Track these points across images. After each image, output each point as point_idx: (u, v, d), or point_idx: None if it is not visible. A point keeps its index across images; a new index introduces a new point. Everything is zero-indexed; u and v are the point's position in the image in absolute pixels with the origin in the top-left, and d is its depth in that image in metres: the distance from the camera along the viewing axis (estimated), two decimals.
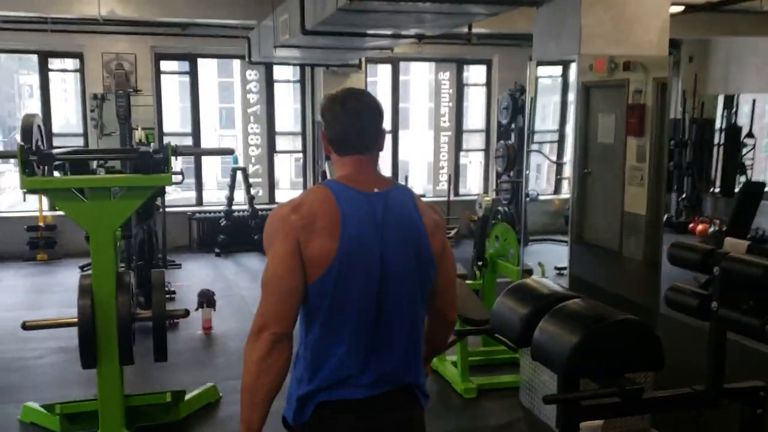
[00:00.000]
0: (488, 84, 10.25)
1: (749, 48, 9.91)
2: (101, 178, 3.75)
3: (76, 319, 3.03)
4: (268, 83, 9.30)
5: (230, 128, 31.22)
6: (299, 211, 1.66)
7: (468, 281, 4.63)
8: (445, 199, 9.72)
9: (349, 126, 1.71)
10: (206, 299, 5.58)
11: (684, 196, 10.43)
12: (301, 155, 9.83)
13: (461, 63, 10.13)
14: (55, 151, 3.31)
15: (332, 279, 1.63)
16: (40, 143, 3.64)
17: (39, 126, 3.63)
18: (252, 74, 9.21)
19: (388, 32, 5.55)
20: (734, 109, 10.66)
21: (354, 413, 1.68)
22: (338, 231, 1.63)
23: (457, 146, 10.28)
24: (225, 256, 8.38)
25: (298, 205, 1.68)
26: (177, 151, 3.60)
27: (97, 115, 8.20)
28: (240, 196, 8.94)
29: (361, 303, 1.66)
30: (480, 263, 4.77)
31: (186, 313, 3.53)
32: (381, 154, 1.80)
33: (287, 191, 18.24)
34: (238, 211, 8.81)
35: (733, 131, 10.63)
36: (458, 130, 10.23)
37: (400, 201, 1.73)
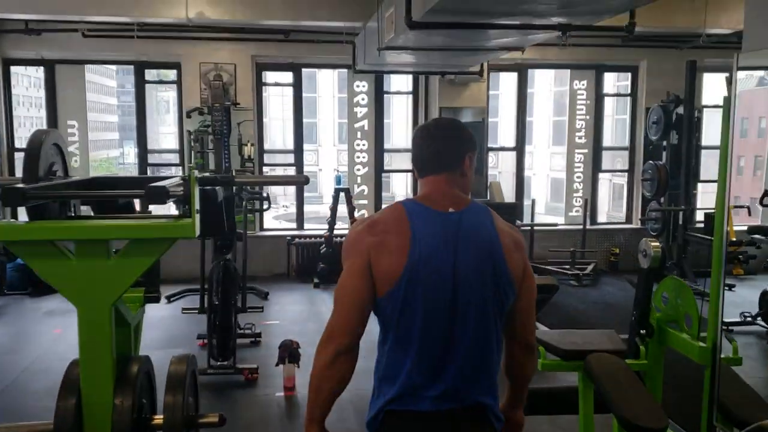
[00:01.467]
0: (633, 94, 8.74)
1: None
2: (69, 225, 2.36)
3: (51, 427, 2.07)
4: (377, 95, 8.32)
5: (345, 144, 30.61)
6: (373, 229, 1.73)
7: (628, 359, 3.32)
8: (580, 227, 8.29)
9: (425, 149, 1.80)
10: (288, 353, 4.58)
11: None
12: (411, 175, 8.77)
13: (601, 69, 8.68)
14: (35, 185, 2.23)
15: (400, 295, 1.68)
16: (58, 170, 2.77)
17: (57, 146, 2.76)
18: (360, 86, 8.27)
19: (519, 22, 4.31)
20: None
21: (421, 424, 1.70)
22: (407, 250, 1.68)
23: (595, 166, 8.81)
24: (324, 287, 7.44)
25: (373, 224, 1.75)
26: (225, 181, 2.62)
27: (193, 130, 7.53)
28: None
29: (430, 319, 1.69)
30: (643, 332, 3.43)
31: (222, 421, 2.47)
32: (475, 175, 1.87)
33: None
34: (341, 236, 7.88)
35: None
36: (596, 147, 8.77)
37: (476, 220, 1.75)
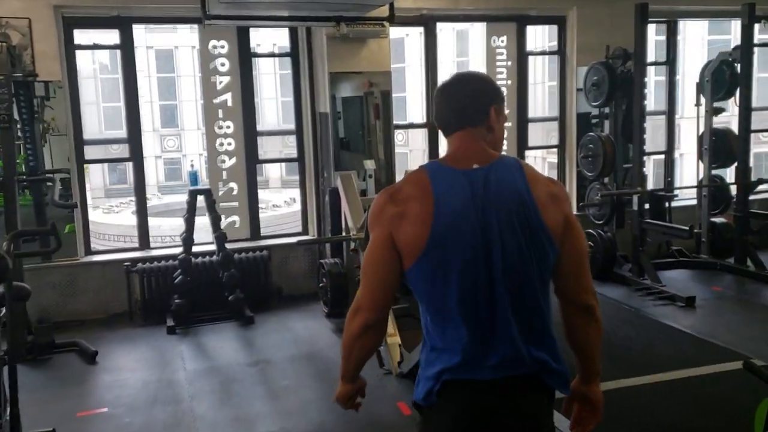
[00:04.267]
0: (561, 52, 7.14)
1: None
2: None
3: None
4: (243, 58, 6.16)
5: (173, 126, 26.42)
6: (395, 197, 1.68)
7: None
8: None
9: (445, 107, 1.75)
10: None
11: None
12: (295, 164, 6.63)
13: (523, 22, 7.00)
14: None
15: (428, 266, 1.63)
16: None
17: None
18: (218, 46, 6.07)
19: None
20: None
21: (479, 394, 1.64)
22: (431, 217, 1.61)
23: (521, 142, 7.16)
24: (182, 332, 5.30)
25: (396, 192, 1.70)
26: None
27: None
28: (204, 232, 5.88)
29: (465, 290, 1.62)
30: None
31: None
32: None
33: (284, 213, 14.71)
34: (204, 254, 5.74)
35: None
36: (521, 119, 7.11)
37: (504, 175, 1.66)
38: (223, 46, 6.04)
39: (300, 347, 4.94)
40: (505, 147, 7.01)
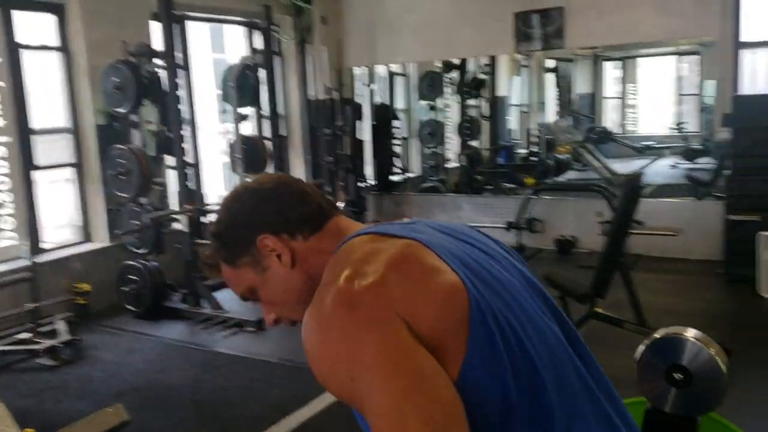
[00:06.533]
0: (65, 48, 5.77)
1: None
2: None
3: None
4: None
5: None
6: (386, 279, 0.91)
7: None
8: (27, 262, 5.03)
9: (303, 203, 1.12)
10: None
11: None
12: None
13: (6, 6, 5.38)
14: None
15: (486, 355, 0.87)
16: None
17: None
18: None
19: None
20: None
21: None
22: (443, 268, 0.94)
23: (26, 161, 5.54)
24: None
25: (377, 272, 0.92)
26: None
27: None
28: None
29: (546, 365, 0.93)
30: None
31: None
32: None
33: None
34: None
35: (381, 111, 8.66)
36: (23, 132, 5.50)
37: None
38: None
39: None
40: (6, 168, 5.35)
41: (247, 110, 6.54)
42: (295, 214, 1.09)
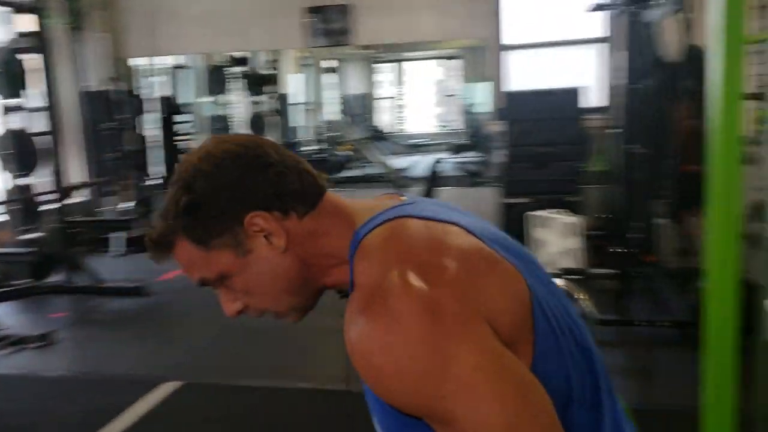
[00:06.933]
0: None
1: None
2: None
3: None
4: None
5: None
6: (460, 276, 0.81)
7: None
8: None
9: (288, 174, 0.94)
10: None
11: None
12: None
13: None
14: None
15: (553, 334, 0.85)
16: None
17: None
18: None
19: None
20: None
21: None
22: (496, 257, 0.85)
23: None
24: None
25: (445, 268, 0.81)
26: None
27: None
28: None
29: (582, 337, 0.91)
30: None
31: None
32: None
33: None
34: None
35: (167, 105, 8.29)
36: None
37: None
38: None
39: None
40: None
41: (15, 101, 5.83)
42: (289, 188, 0.91)
